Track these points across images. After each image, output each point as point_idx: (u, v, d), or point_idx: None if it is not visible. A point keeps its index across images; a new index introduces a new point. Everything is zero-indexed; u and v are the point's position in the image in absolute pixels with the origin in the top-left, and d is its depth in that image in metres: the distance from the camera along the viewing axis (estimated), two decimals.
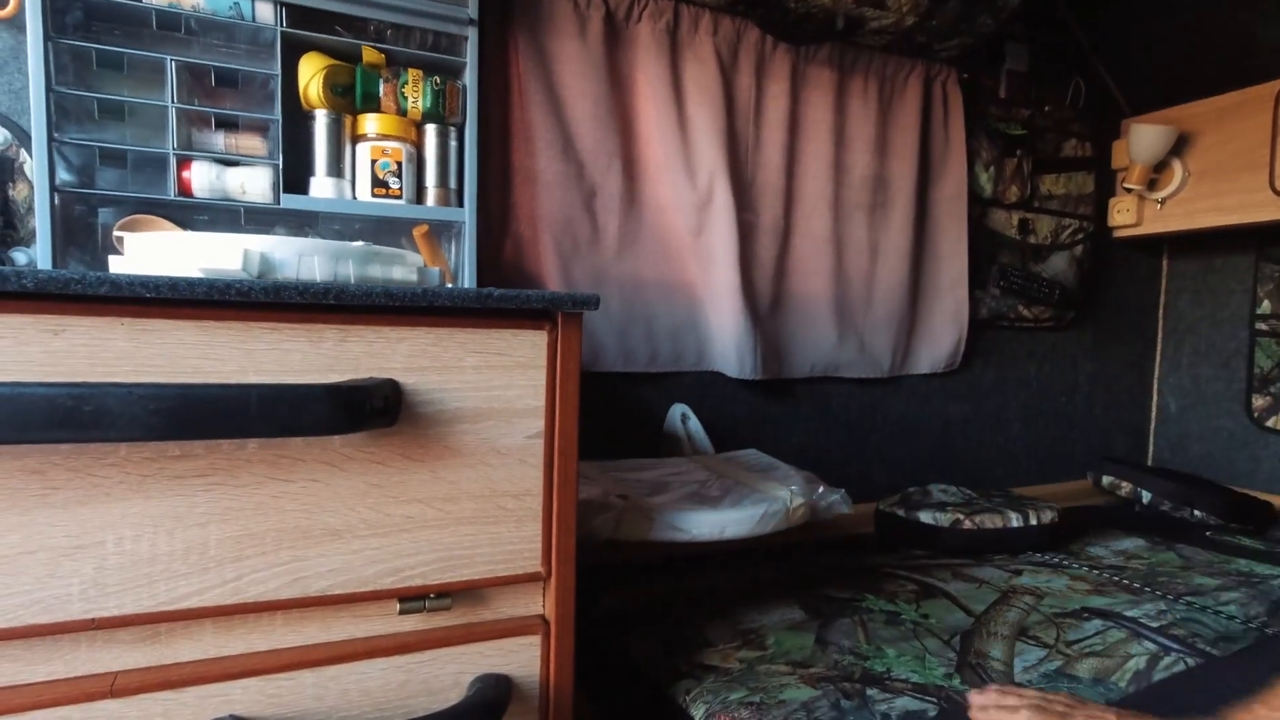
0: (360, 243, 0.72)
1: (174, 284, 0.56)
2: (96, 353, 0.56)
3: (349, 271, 0.69)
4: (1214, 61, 1.70)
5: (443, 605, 0.69)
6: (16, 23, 0.90)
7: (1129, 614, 1.12)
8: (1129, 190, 1.83)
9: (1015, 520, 1.43)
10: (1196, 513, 1.71)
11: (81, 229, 0.94)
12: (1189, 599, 1.19)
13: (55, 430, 0.50)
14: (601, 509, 0.89)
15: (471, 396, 0.68)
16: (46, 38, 0.86)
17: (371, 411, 0.61)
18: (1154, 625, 1.08)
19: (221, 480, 0.60)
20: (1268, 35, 1.59)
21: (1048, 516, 1.45)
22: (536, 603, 0.75)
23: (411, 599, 0.68)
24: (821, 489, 1.07)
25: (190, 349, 0.58)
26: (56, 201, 0.89)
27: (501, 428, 0.70)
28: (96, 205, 0.95)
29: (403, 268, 0.75)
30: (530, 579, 0.73)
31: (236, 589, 0.62)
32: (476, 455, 0.69)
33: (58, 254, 0.90)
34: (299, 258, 0.67)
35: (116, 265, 0.72)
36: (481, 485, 0.69)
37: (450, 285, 1.10)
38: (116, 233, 0.93)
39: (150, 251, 0.67)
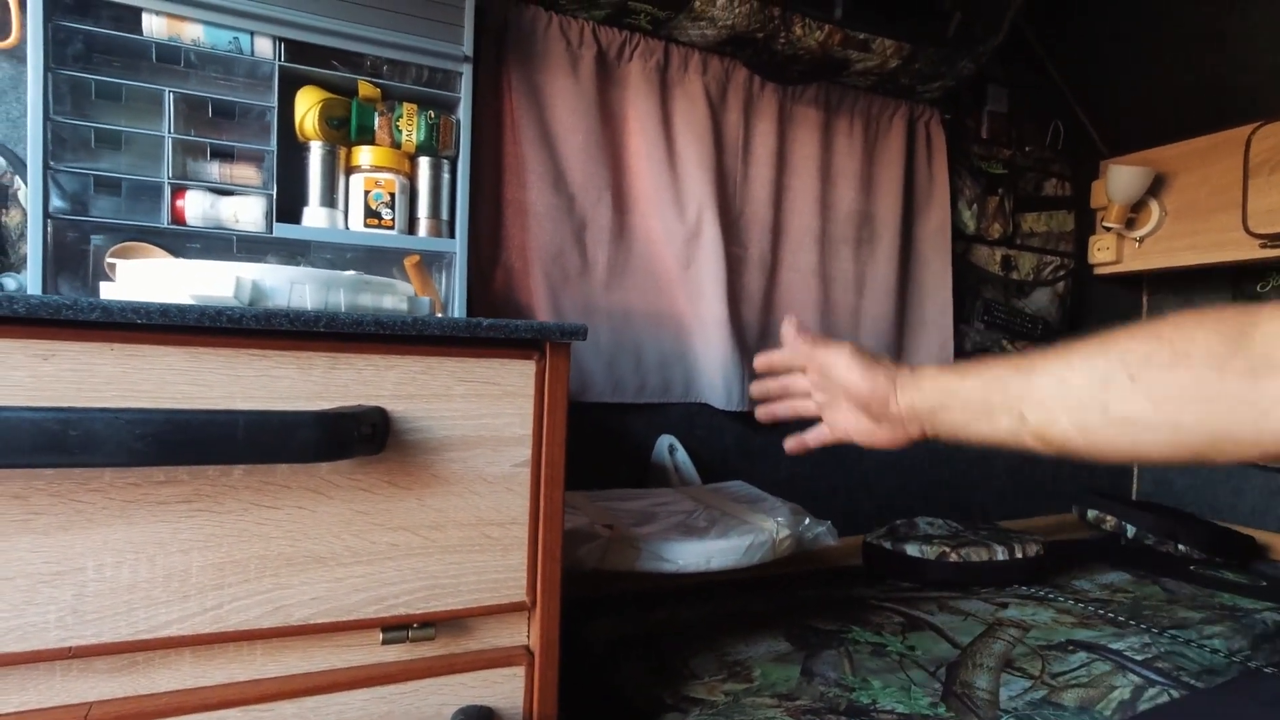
0: (351, 272, 0.73)
1: (165, 310, 0.56)
2: (85, 378, 0.56)
3: (340, 300, 0.70)
4: (1188, 105, 1.76)
5: (426, 635, 0.69)
6: (17, 53, 0.92)
7: (1114, 646, 1.12)
8: (1108, 229, 1.87)
9: (1001, 553, 1.43)
10: (1181, 547, 1.72)
11: (73, 255, 0.95)
12: (1173, 632, 1.20)
13: (41, 455, 0.50)
14: (588, 538, 0.89)
15: (459, 425, 0.68)
16: (47, 69, 0.87)
17: (359, 438, 0.61)
18: (1139, 658, 1.08)
19: (206, 506, 0.60)
20: (1239, 81, 1.65)
21: (1033, 550, 1.45)
22: (521, 633, 0.75)
23: (395, 628, 0.68)
24: (807, 521, 1.07)
25: (179, 375, 0.59)
26: (50, 228, 0.90)
27: (489, 456, 0.70)
28: (89, 232, 0.95)
29: (393, 297, 0.76)
30: (515, 609, 0.73)
31: (217, 617, 0.61)
32: (463, 483, 0.69)
33: (48, 280, 0.90)
34: (290, 285, 0.68)
35: (108, 291, 0.72)
36: (468, 513, 0.70)
37: (440, 315, 1.11)
38: (109, 260, 0.93)
39: (142, 278, 0.67)
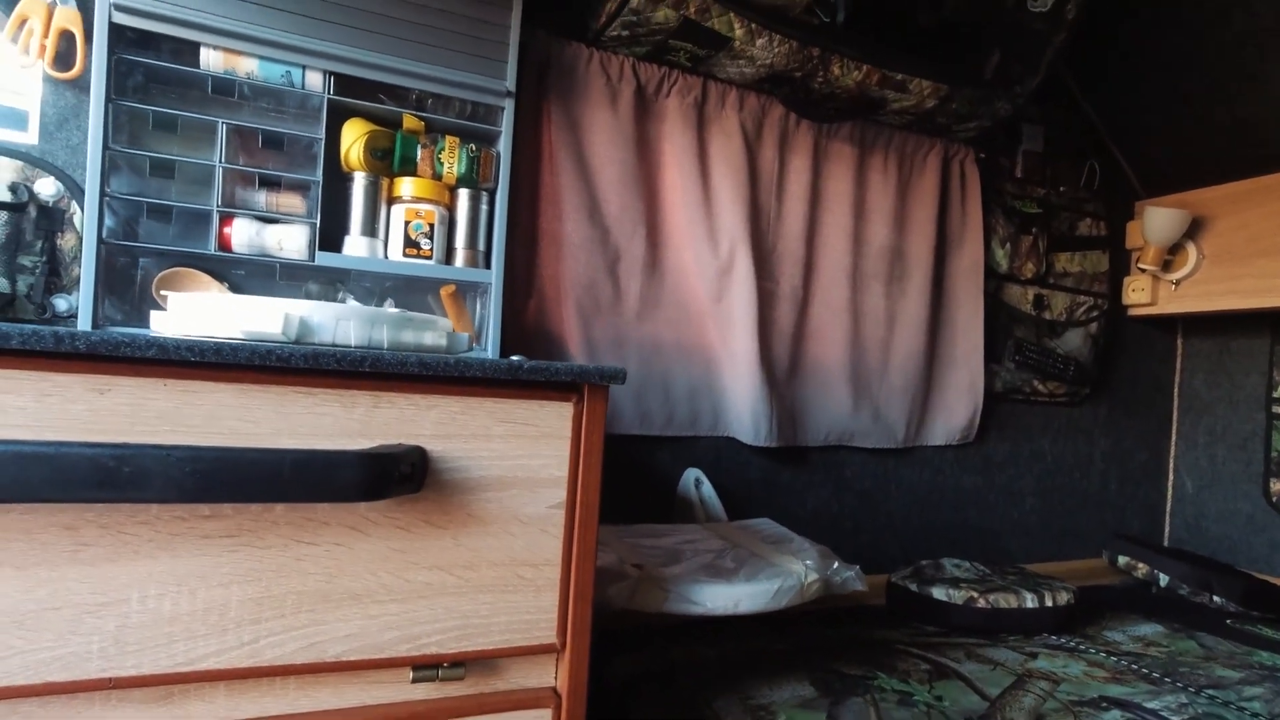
0: (394, 310, 0.74)
1: (218, 349, 0.58)
2: (138, 412, 0.57)
3: (383, 336, 0.71)
4: (1226, 149, 1.74)
5: (455, 675, 0.69)
6: (80, 83, 0.95)
7: (1149, 705, 1.10)
8: (1144, 270, 1.85)
9: (1030, 600, 1.40)
10: (1216, 598, 1.67)
11: (122, 278, 0.97)
12: (1211, 692, 1.16)
13: (95, 490, 0.51)
14: (617, 578, 0.88)
15: (497, 465, 0.69)
16: (108, 99, 0.90)
17: (399, 478, 0.62)
18: (1175, 719, 1.05)
19: (248, 541, 0.61)
20: (1278, 127, 1.63)
21: (1063, 598, 1.42)
22: (549, 674, 0.75)
23: (425, 667, 0.68)
24: (836, 565, 1.06)
25: (228, 410, 0.60)
26: (102, 253, 0.92)
27: (524, 497, 0.70)
28: (139, 256, 0.98)
29: (433, 333, 0.77)
30: (545, 650, 0.73)
31: (253, 651, 0.62)
32: (499, 523, 0.69)
33: (99, 303, 0.93)
34: (336, 322, 0.69)
35: (158, 321, 0.74)
36: (502, 553, 0.70)
37: (474, 344, 1.12)
38: (158, 285, 0.95)
39: (192, 310, 0.69)
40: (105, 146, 0.91)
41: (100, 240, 0.92)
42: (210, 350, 0.57)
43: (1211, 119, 1.71)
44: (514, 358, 0.79)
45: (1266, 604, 1.65)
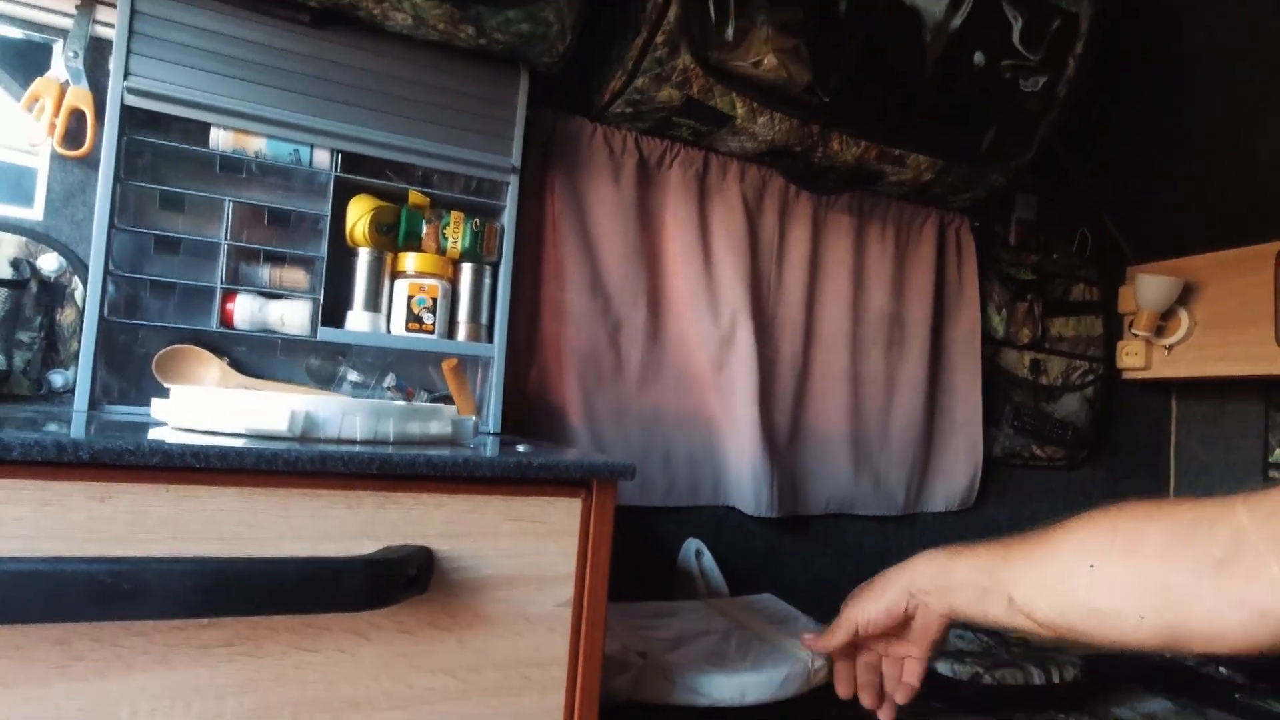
0: (401, 402, 0.73)
1: (223, 454, 0.56)
2: (139, 519, 0.56)
3: (389, 429, 0.70)
4: (1216, 218, 1.77)
5: None
6: (88, 160, 0.95)
7: None
8: (1137, 335, 1.87)
9: (1037, 676, 1.37)
10: (1223, 669, 1.64)
11: (121, 354, 0.96)
12: None
13: (92, 608, 0.50)
14: (621, 667, 0.86)
15: (504, 563, 0.67)
16: (116, 179, 0.90)
17: (406, 582, 0.60)
18: None
19: (246, 650, 0.59)
20: (1266, 197, 1.66)
21: (1070, 673, 1.39)
22: None
23: None
24: None
25: (231, 515, 0.58)
26: (104, 330, 0.91)
27: (531, 595, 0.68)
28: (139, 332, 0.97)
29: (439, 422, 0.76)
30: None
31: None
32: (505, 623, 0.67)
33: (96, 380, 0.91)
34: (342, 416, 0.68)
35: (159, 409, 0.72)
36: (508, 654, 0.68)
37: (475, 418, 1.11)
38: (158, 363, 0.94)
39: (195, 403, 0.68)
40: (111, 225, 0.90)
41: (102, 318, 0.91)
42: (215, 456, 0.56)
43: (1199, 191, 1.75)
44: (520, 447, 0.78)
45: (1273, 674, 1.63)
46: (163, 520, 0.57)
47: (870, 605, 0.84)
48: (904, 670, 0.87)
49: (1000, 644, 1.54)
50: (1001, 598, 0.70)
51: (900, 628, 0.84)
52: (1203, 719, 1.39)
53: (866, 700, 0.88)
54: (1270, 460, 1.87)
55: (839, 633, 0.86)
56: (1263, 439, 1.89)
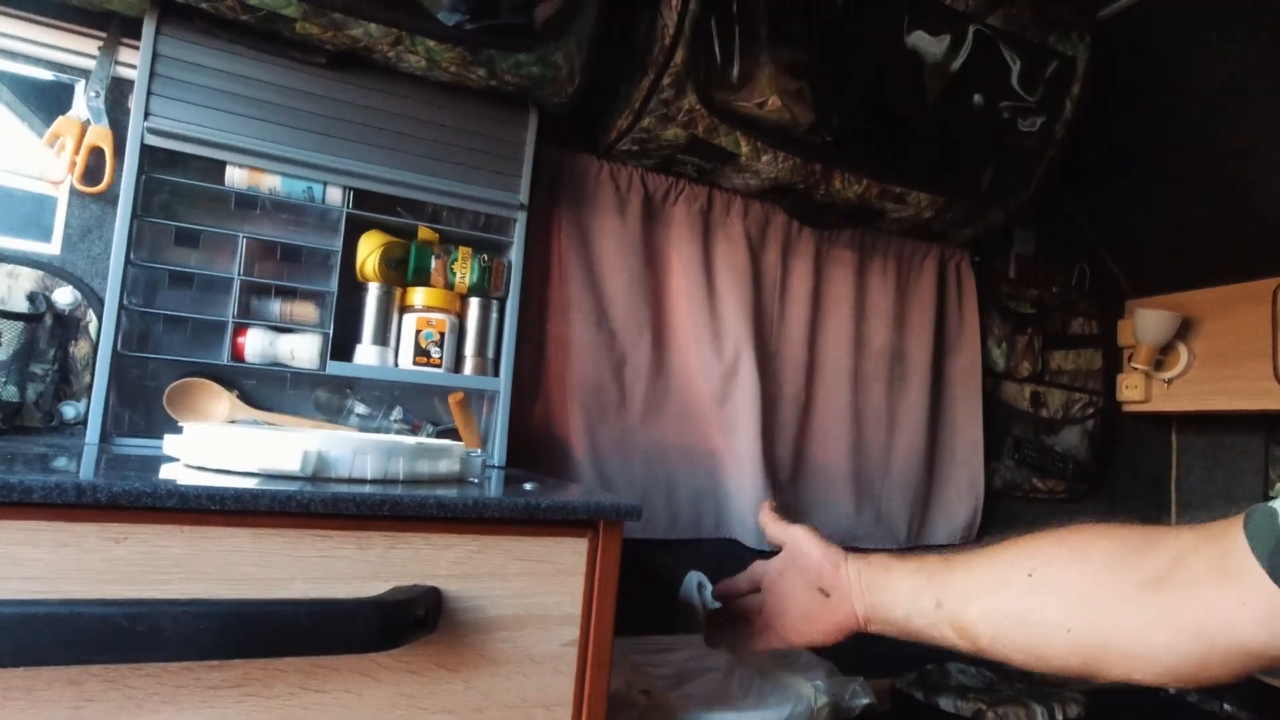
0: (411, 439, 0.74)
1: (238, 496, 0.57)
2: (154, 560, 0.56)
3: (399, 469, 0.71)
4: (1214, 253, 1.79)
5: None
6: (106, 196, 0.97)
7: None
8: (1136, 369, 1.88)
9: (1040, 714, 1.37)
10: (1226, 706, 1.63)
11: (133, 387, 0.97)
12: None
13: (107, 652, 0.50)
14: (626, 706, 0.86)
15: (511, 604, 0.68)
16: (134, 216, 0.92)
17: (414, 623, 0.61)
18: None
19: (255, 691, 0.59)
20: (1264, 233, 1.69)
21: (1073, 711, 1.39)
22: None
23: None
24: (845, 683, 1.04)
25: (243, 556, 0.59)
26: (116, 364, 0.92)
27: (538, 635, 0.69)
28: (151, 365, 0.98)
29: (448, 460, 0.77)
30: None
31: None
32: (511, 664, 0.68)
33: (109, 412, 0.92)
34: (354, 456, 0.69)
35: (171, 446, 0.73)
36: (513, 695, 0.68)
37: (480, 451, 1.11)
38: (169, 397, 0.95)
39: (206, 441, 0.69)
40: (128, 260, 0.92)
41: (115, 351, 0.92)
42: (231, 499, 0.57)
43: (1196, 226, 1.78)
44: (527, 486, 0.79)
45: (1277, 711, 1.62)
46: (177, 561, 0.57)
47: (779, 562, 0.83)
48: (755, 639, 0.84)
49: (1003, 679, 1.53)
50: (930, 600, 0.68)
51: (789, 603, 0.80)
52: None
53: (710, 638, 0.89)
54: (1271, 494, 1.87)
55: (742, 580, 0.86)
56: (1263, 473, 1.89)
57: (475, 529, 0.67)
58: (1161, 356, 1.87)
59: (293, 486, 0.61)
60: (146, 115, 0.92)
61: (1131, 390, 1.92)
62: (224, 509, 0.57)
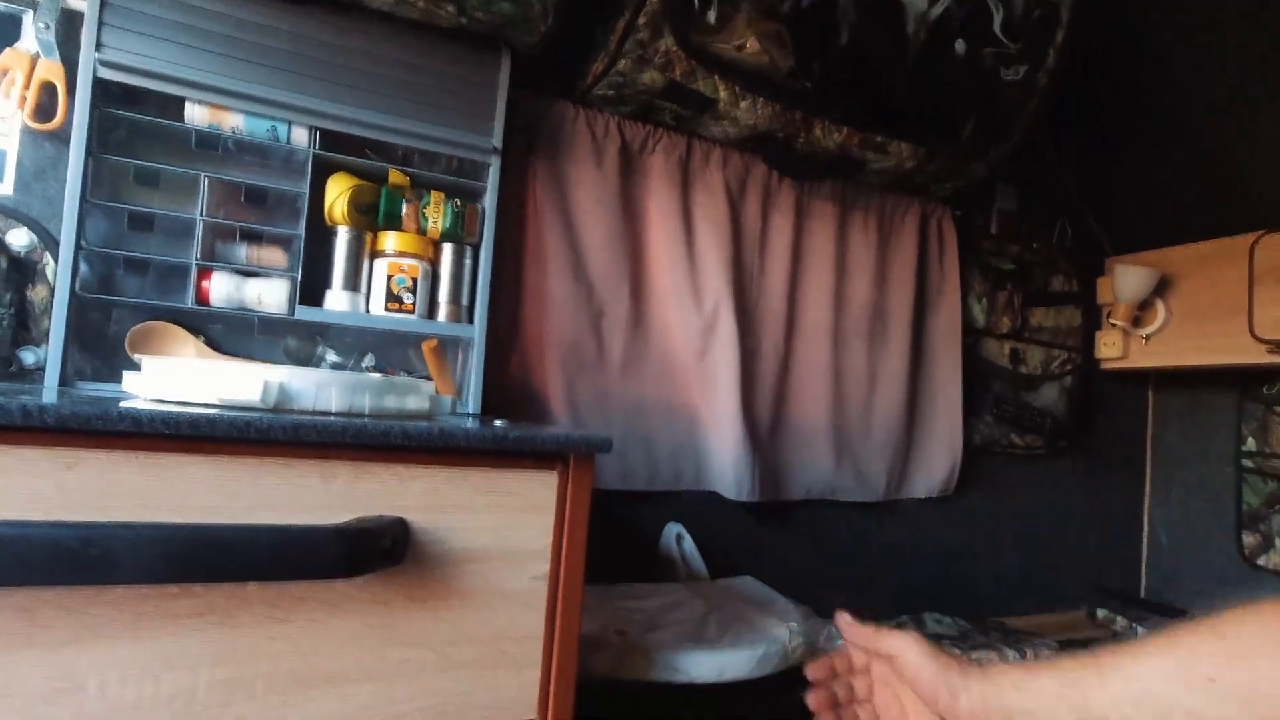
0: (377, 374, 0.72)
1: (194, 421, 0.56)
2: (108, 488, 0.55)
3: (365, 403, 0.69)
4: (1193, 210, 1.80)
5: None
6: (60, 134, 0.94)
7: None
8: (1115, 325, 1.89)
9: (1013, 658, 1.39)
10: None
11: (94, 332, 0.95)
12: None
13: (58, 573, 0.49)
14: (599, 646, 0.86)
15: (480, 537, 0.67)
16: (88, 153, 0.89)
17: (380, 553, 0.60)
18: None
19: (218, 620, 0.58)
20: (1242, 191, 1.69)
21: (1045, 655, 1.41)
22: None
23: None
24: (819, 626, 1.05)
25: (202, 484, 0.58)
26: (75, 307, 0.90)
27: (507, 569, 0.68)
28: (112, 310, 0.95)
29: (417, 397, 0.75)
30: None
31: None
32: (481, 597, 0.67)
33: (68, 358, 0.90)
34: (317, 389, 0.67)
35: (130, 382, 0.72)
36: (484, 628, 0.68)
37: (456, 400, 1.10)
38: (131, 340, 0.93)
39: (166, 374, 0.67)
40: (83, 200, 0.89)
41: (73, 294, 0.89)
42: (186, 423, 0.55)
43: (1177, 184, 1.78)
44: (497, 423, 0.78)
45: None
46: (133, 490, 0.56)
47: (920, 666, 0.66)
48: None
49: (978, 628, 1.55)
50: (1086, 715, 0.56)
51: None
52: None
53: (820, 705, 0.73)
54: (1244, 450, 1.90)
55: (868, 636, 0.71)
56: (1236, 430, 1.92)
57: (443, 461, 0.66)
58: (1140, 313, 1.88)
59: (253, 414, 0.59)
60: (98, 47, 0.88)
61: (1110, 347, 1.93)
62: (179, 434, 0.56)
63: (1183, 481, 2.03)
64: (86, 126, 0.88)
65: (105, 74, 0.88)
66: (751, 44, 1.15)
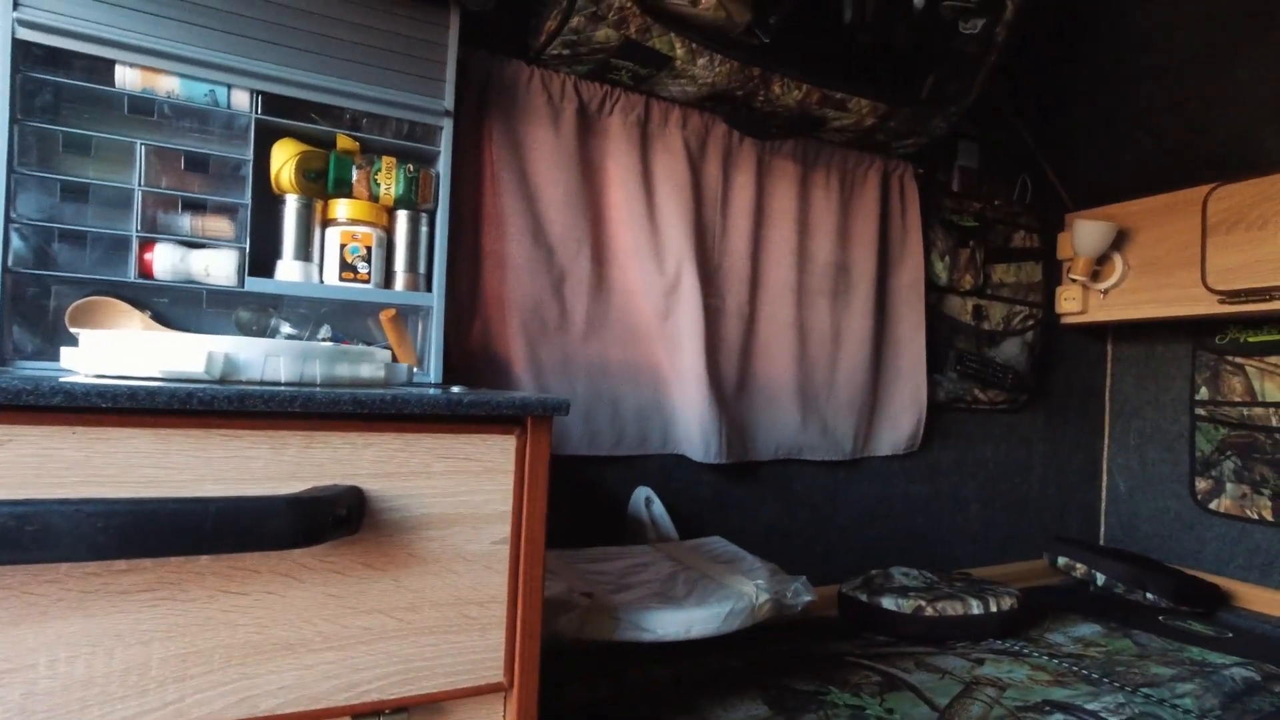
0: (328, 342, 0.71)
1: (132, 393, 0.54)
2: (45, 464, 0.53)
3: (316, 371, 0.68)
4: (1150, 164, 1.82)
5: None
6: None
7: (1090, 707, 1.13)
8: (1074, 280, 1.92)
9: (976, 607, 1.43)
10: (1149, 595, 1.74)
11: (33, 308, 0.91)
12: (1146, 690, 1.20)
13: None
14: (566, 608, 0.87)
15: (438, 502, 0.67)
16: (13, 120, 0.85)
17: (334, 522, 0.59)
18: (1114, 719, 1.09)
19: (170, 594, 0.57)
20: (1197, 145, 1.71)
21: (1007, 603, 1.46)
22: (497, 714, 0.72)
23: (366, 716, 0.65)
24: (786, 582, 1.06)
25: (145, 458, 0.56)
26: (9, 282, 0.86)
27: (467, 534, 0.68)
28: (51, 285, 0.92)
29: (370, 365, 0.74)
30: (492, 689, 0.71)
31: (178, 711, 0.58)
32: (441, 562, 0.67)
33: (5, 335, 0.87)
34: (264, 358, 0.66)
35: (69, 358, 0.69)
36: (445, 593, 0.67)
37: (416, 369, 1.09)
38: (71, 316, 0.90)
39: (106, 347, 0.65)
40: (10, 169, 0.85)
41: (6, 269, 0.86)
42: (124, 395, 0.54)
43: (1134, 138, 1.79)
44: (454, 389, 0.77)
45: (1195, 599, 1.73)
46: (71, 465, 0.54)
47: None
48: None
49: (943, 579, 1.59)
50: None
51: None
52: (1129, 640, 1.47)
53: None
54: (1197, 399, 1.96)
55: None
56: (1190, 379, 1.97)
57: (397, 427, 0.65)
58: (1098, 268, 1.92)
59: (196, 385, 0.58)
60: (16, 6, 0.83)
61: (1069, 302, 1.96)
62: (118, 407, 0.54)
63: (1139, 431, 2.09)
64: (8, 91, 0.84)
65: (25, 34, 0.84)
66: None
